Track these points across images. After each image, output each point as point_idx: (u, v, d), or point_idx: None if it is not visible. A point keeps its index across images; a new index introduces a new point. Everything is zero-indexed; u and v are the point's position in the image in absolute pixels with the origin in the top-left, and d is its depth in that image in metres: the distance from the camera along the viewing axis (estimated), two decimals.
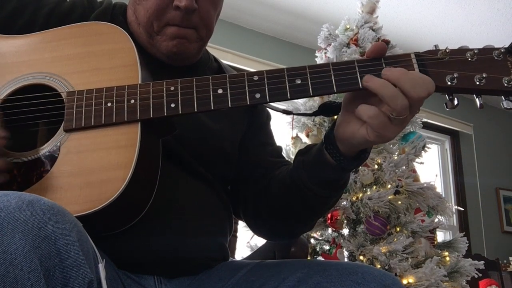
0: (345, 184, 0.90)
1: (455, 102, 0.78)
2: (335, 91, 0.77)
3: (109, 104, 0.79)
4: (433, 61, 0.77)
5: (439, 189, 3.88)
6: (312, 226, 1.01)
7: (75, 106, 0.80)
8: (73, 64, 0.85)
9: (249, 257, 1.19)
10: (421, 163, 2.64)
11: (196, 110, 0.79)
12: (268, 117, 1.14)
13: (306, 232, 1.14)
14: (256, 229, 1.06)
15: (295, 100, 2.51)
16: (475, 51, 0.77)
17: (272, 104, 0.99)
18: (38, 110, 0.82)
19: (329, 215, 2.36)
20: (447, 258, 2.43)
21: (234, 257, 1.28)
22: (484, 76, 0.75)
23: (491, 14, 4.07)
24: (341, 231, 2.46)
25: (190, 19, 0.94)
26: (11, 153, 0.79)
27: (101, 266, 0.62)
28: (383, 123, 0.73)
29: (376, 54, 0.78)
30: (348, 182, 0.92)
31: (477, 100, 0.78)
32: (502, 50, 0.77)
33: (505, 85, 0.75)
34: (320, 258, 2.41)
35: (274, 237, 1.10)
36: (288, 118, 2.67)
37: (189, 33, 0.95)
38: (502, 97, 0.77)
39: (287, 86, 0.77)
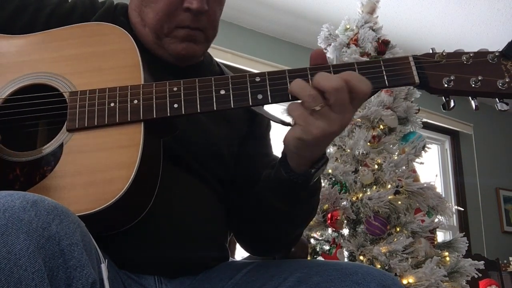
0: (306, 202, 0.88)
1: (452, 103, 0.80)
2: None
3: (112, 104, 0.80)
4: (431, 64, 0.79)
5: (439, 189, 3.88)
6: (284, 244, 1.01)
7: (78, 106, 0.80)
8: (75, 64, 0.85)
9: (249, 257, 1.19)
10: (421, 163, 2.65)
11: (199, 110, 0.79)
12: (268, 127, 1.13)
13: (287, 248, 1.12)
14: (238, 238, 1.06)
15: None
16: (471, 55, 0.79)
17: (271, 113, 0.99)
18: (40, 110, 0.82)
19: (329, 215, 2.37)
20: (447, 258, 2.44)
21: (234, 257, 1.28)
22: (479, 79, 0.78)
23: (491, 14, 4.07)
24: (341, 231, 2.46)
25: (200, 20, 0.94)
26: (14, 152, 0.79)
27: (103, 266, 0.62)
28: (303, 115, 0.73)
29: (318, 61, 0.80)
30: (310, 200, 0.89)
31: (472, 102, 0.80)
32: (497, 54, 0.79)
33: (500, 87, 0.77)
34: (320, 258, 2.41)
35: (253, 252, 1.07)
36: (288, 119, 2.67)
37: (198, 35, 0.96)
38: (497, 99, 0.79)
39: (289, 87, 0.78)
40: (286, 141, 0.78)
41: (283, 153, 0.82)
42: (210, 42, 1.02)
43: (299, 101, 0.75)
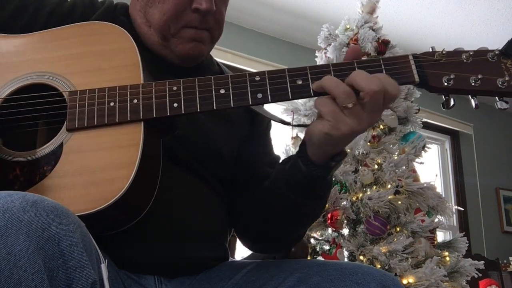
0: (321, 196, 0.89)
1: (452, 102, 0.80)
2: None
3: (111, 104, 0.80)
4: (430, 63, 0.79)
5: (439, 189, 3.87)
6: (286, 243, 1.01)
7: (77, 105, 0.80)
8: (75, 64, 0.85)
9: (249, 257, 1.19)
10: (421, 163, 2.65)
11: (199, 110, 0.79)
12: (268, 127, 1.13)
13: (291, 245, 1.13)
14: (241, 237, 1.06)
15: (296, 100, 2.51)
16: (471, 53, 0.80)
17: (271, 113, 0.99)
18: (39, 110, 0.82)
19: (329, 215, 2.37)
20: (447, 258, 2.44)
21: (234, 257, 1.28)
22: (479, 77, 0.78)
23: (491, 14, 4.07)
24: (341, 231, 2.46)
25: (207, 21, 0.94)
26: (13, 152, 0.79)
27: (103, 266, 0.62)
28: (334, 111, 0.74)
29: (353, 57, 0.81)
30: (326, 193, 0.90)
31: (472, 100, 0.81)
32: (496, 52, 0.79)
33: (499, 86, 0.78)
34: (320, 258, 2.41)
35: (256, 248, 1.08)
36: (288, 119, 2.67)
37: (204, 35, 0.96)
38: (497, 97, 0.80)
39: (288, 86, 0.78)
40: (310, 135, 0.79)
41: (301, 146, 0.83)
42: (215, 42, 1.02)
43: (327, 96, 0.76)
